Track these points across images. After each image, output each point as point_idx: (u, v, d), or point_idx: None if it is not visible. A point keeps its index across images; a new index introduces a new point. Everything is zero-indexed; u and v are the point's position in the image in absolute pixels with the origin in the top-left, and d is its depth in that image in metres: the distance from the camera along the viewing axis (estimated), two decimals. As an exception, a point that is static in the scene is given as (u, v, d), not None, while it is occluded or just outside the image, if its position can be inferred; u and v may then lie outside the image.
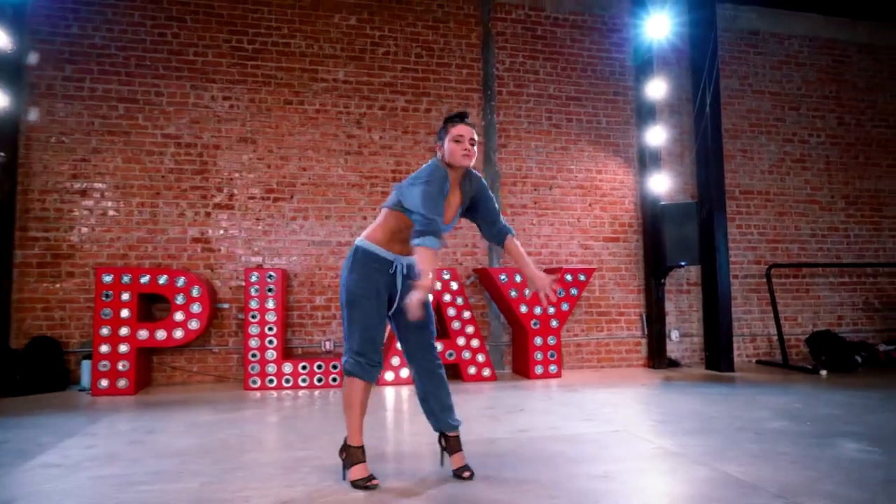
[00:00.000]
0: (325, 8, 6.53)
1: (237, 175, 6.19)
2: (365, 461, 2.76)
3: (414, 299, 2.42)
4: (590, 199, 6.97)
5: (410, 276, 2.78)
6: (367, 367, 2.70)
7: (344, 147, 6.41)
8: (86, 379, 5.44)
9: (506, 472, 2.94)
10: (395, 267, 2.77)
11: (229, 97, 6.24)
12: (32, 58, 5.84)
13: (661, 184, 6.82)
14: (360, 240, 2.79)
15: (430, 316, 2.88)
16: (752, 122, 7.55)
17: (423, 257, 2.49)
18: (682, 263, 6.42)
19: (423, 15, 6.75)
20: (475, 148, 2.72)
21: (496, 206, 2.94)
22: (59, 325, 5.71)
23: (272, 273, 5.63)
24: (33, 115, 5.82)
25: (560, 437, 3.62)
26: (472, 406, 4.67)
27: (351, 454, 2.75)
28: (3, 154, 5.54)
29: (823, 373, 6.15)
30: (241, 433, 3.84)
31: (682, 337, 7.07)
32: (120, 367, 5.24)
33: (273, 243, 6.20)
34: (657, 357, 6.73)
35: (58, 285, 5.74)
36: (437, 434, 2.99)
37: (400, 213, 2.72)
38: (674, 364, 6.83)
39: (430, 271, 2.49)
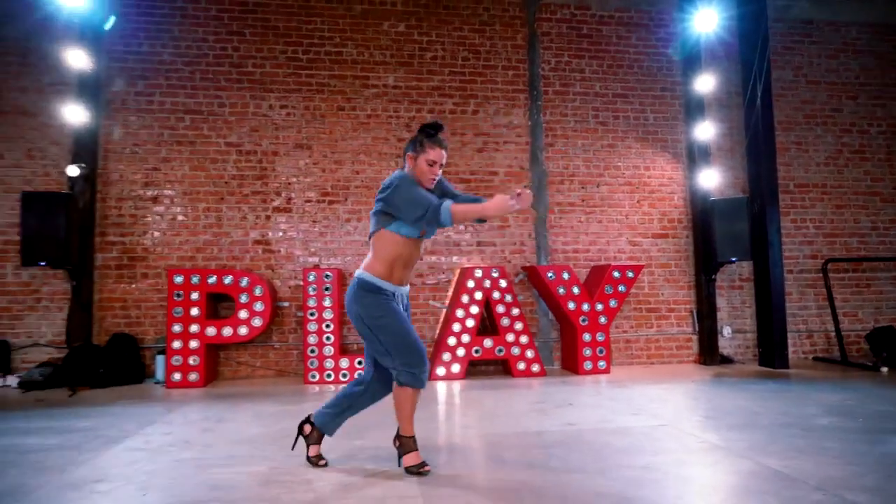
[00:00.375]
0: (375, 16, 6.77)
1: (294, 180, 6.51)
2: (417, 449, 2.94)
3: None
4: (638, 195, 6.99)
5: (405, 306, 3.03)
6: (419, 375, 2.84)
7: (394, 150, 6.65)
8: (160, 372, 5.85)
9: (553, 461, 3.09)
10: (397, 297, 2.94)
11: (286, 105, 6.56)
12: (114, 81, 6.31)
13: (711, 179, 6.78)
14: (361, 272, 2.91)
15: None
16: (806, 114, 7.39)
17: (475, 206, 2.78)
18: (733, 259, 6.37)
19: (469, 19, 6.91)
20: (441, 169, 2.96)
21: (451, 186, 3.16)
22: (135, 323, 6.16)
23: (328, 273, 5.92)
24: (116, 132, 6.28)
25: (607, 430, 3.74)
26: (521, 401, 4.82)
27: (404, 443, 2.93)
28: (84, 165, 6.00)
29: (884, 370, 6.01)
30: (303, 423, 4.11)
31: (735, 333, 7.01)
32: (191, 361, 5.62)
33: (329, 244, 6.49)
34: (708, 353, 6.70)
35: (133, 286, 6.19)
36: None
37: (394, 234, 2.86)
38: (726, 361, 6.79)
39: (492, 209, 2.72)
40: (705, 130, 6.83)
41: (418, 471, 2.87)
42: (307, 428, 3.12)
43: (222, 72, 6.52)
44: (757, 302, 6.75)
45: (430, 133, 2.91)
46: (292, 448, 3.19)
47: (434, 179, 2.92)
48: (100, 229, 6.20)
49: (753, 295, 6.94)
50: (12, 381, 5.68)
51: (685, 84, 7.07)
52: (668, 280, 6.96)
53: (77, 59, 5.97)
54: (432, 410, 4.55)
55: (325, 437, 3.18)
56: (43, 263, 5.49)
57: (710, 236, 6.51)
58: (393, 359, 2.83)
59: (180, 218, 6.33)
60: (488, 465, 3.04)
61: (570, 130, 6.95)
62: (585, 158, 6.95)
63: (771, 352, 6.42)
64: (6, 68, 6.22)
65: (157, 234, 6.28)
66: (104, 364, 5.70)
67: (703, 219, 6.70)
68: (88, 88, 6.16)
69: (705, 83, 6.82)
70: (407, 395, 2.88)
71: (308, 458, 3.08)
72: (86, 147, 6.12)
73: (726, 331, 6.96)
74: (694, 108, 6.94)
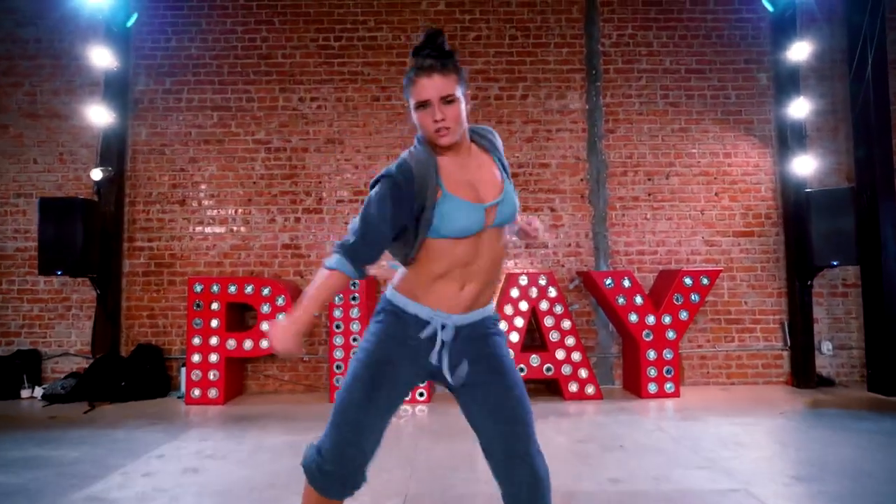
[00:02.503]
0: (412, -5, 6.13)
1: (325, 178, 6.00)
2: None
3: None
4: (716, 187, 5.98)
5: (479, 336, 1.83)
6: (331, 478, 1.78)
7: (433, 143, 6.00)
8: (184, 386, 5.54)
9: (574, 549, 2.37)
10: (434, 329, 1.78)
11: (316, 97, 6.06)
12: (141, 79, 6.04)
13: (807, 166, 5.68)
14: (389, 289, 1.88)
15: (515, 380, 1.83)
16: (931, 84, 6.08)
17: (316, 280, 1.75)
18: (834, 263, 5.28)
19: (517, -8, 6.14)
20: (456, 106, 1.70)
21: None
22: (161, 333, 5.88)
23: (355, 281, 5.36)
24: (143, 132, 6.02)
25: (660, 496, 2.95)
26: (564, 438, 4.07)
27: None
28: (109, 168, 5.76)
29: None
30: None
31: (837, 350, 5.88)
32: (211, 376, 5.25)
33: (362, 248, 5.95)
34: (803, 374, 5.64)
35: (160, 294, 5.91)
36: None
37: (425, 238, 1.76)
38: (825, 382, 5.69)
39: (311, 305, 1.73)
40: (800, 108, 5.72)
41: None
42: None
43: (251, 64, 6.10)
44: (865, 313, 5.59)
45: (416, 51, 1.74)
46: None
47: (443, 130, 1.69)
48: (128, 234, 5.95)
49: (861, 304, 5.78)
50: (39, 392, 5.54)
51: (775, 54, 5.97)
52: (752, 286, 5.92)
53: (103, 57, 5.73)
54: (456, 445, 3.88)
55: None
56: (60, 273, 5.26)
57: (805, 235, 5.44)
58: (325, 430, 1.82)
59: (208, 222, 5.98)
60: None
61: (634, 114, 6.04)
62: (653, 145, 6.01)
63: (884, 374, 5.29)
64: (39, 71, 6.09)
65: (184, 238, 5.96)
66: (126, 377, 5.44)
67: (797, 214, 5.62)
68: (115, 88, 5.91)
69: (800, 51, 5.70)
70: (307, 491, 1.85)
71: None
72: (113, 149, 5.87)
73: (825, 347, 5.85)
74: (786, 82, 5.83)
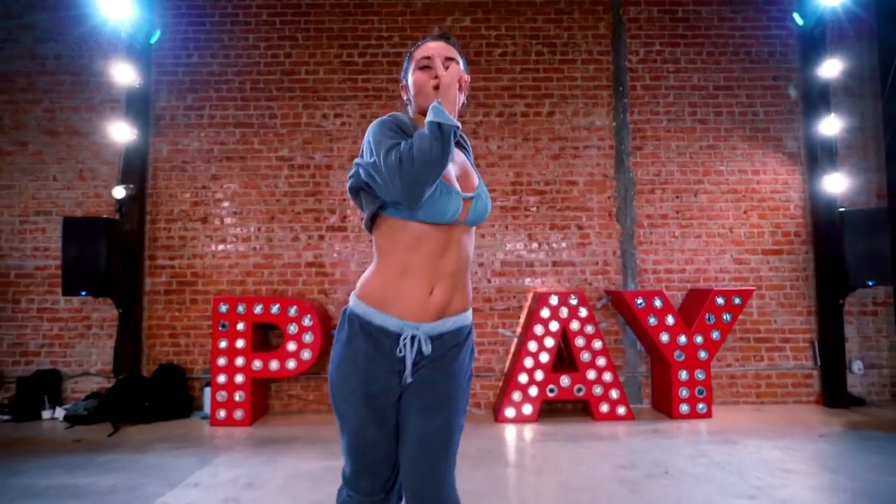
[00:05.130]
0: (437, 11, 6.09)
1: (349, 196, 5.93)
2: None
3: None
4: (744, 205, 5.92)
5: (448, 346, 1.72)
6: (360, 491, 1.74)
7: (459, 160, 5.94)
8: (208, 406, 5.45)
9: None
10: (404, 343, 1.67)
11: (340, 114, 6.00)
12: (162, 95, 5.99)
13: (839, 184, 5.63)
14: (352, 297, 1.79)
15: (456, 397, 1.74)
16: (960, 101, 6.04)
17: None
18: (870, 283, 5.22)
19: (543, 8, 6.09)
20: (455, 67, 1.70)
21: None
22: (184, 352, 5.79)
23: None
24: (164, 149, 5.96)
25: (718, 529, 2.87)
26: (604, 463, 3.99)
27: None
28: (132, 186, 5.69)
29: None
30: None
31: (868, 369, 5.81)
32: (237, 397, 5.16)
33: (387, 265, 5.88)
34: (834, 393, 5.57)
35: (182, 313, 5.83)
36: None
37: (394, 221, 1.70)
38: (856, 402, 5.62)
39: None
40: (831, 125, 5.68)
41: None
42: None
43: (274, 80, 6.04)
44: (898, 332, 5.55)
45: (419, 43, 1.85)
46: None
47: (438, 80, 1.69)
48: (149, 252, 5.88)
49: (892, 323, 5.72)
50: (60, 413, 5.45)
51: (804, 70, 5.93)
52: (781, 304, 5.86)
53: (125, 74, 5.67)
54: (494, 471, 3.80)
55: None
56: (84, 293, 5.18)
57: (839, 254, 5.38)
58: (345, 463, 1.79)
59: (230, 239, 5.91)
60: None
61: (661, 131, 5.99)
62: (680, 163, 5.96)
63: (919, 396, 5.23)
64: (59, 87, 6.03)
65: (206, 257, 5.89)
66: (149, 397, 5.35)
67: (829, 232, 5.57)
68: (137, 104, 5.85)
69: (831, 68, 5.66)
70: None
71: None
72: (134, 166, 5.81)
73: (856, 366, 5.78)
74: (816, 99, 5.79)
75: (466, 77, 1.74)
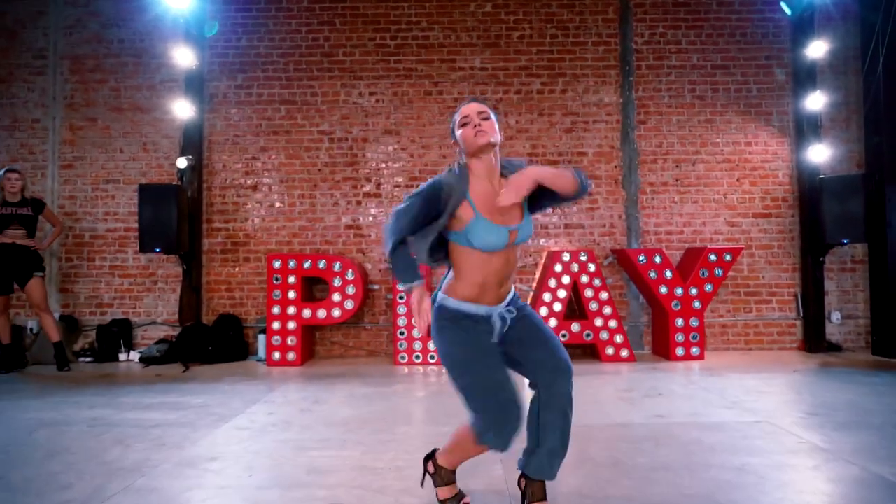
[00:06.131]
0: (461, -2, 6.73)
1: (384, 165, 6.66)
2: (455, 481, 2.48)
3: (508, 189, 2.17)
4: (738, 173, 6.60)
5: (517, 310, 2.35)
6: (500, 435, 2.17)
7: (481, 133, 6.62)
8: (261, 351, 6.24)
9: (638, 457, 3.05)
10: (493, 321, 2.28)
11: (375, 92, 6.69)
12: (216, 75, 6.69)
13: (822, 154, 6.28)
14: (441, 294, 2.32)
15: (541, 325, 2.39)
16: (937, 78, 6.64)
17: None
18: (844, 241, 5.91)
19: (557, -6, 6.72)
20: (490, 122, 2.25)
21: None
22: (238, 304, 6.59)
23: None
24: (218, 124, 6.68)
25: (698, 425, 3.63)
26: (608, 389, 4.76)
27: (443, 476, 2.46)
28: (191, 157, 6.43)
29: None
30: (392, 406, 4.28)
31: (846, 319, 6.53)
32: (289, 341, 5.95)
33: (417, 228, 6.61)
34: (814, 340, 6.30)
35: (237, 269, 6.62)
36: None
37: (463, 248, 2.25)
38: (834, 348, 6.35)
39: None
40: (816, 101, 6.31)
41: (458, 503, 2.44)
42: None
43: (314, 62, 6.72)
44: (871, 286, 6.25)
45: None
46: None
47: (481, 131, 2.22)
48: (206, 216, 6.64)
49: (867, 278, 6.42)
50: (134, 356, 6.27)
51: (794, 51, 6.55)
52: (769, 262, 6.57)
53: (183, 57, 6.36)
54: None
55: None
56: (158, 250, 5.97)
57: (818, 216, 6.06)
58: (474, 410, 2.22)
59: (277, 205, 6.66)
60: (572, 461, 3.02)
61: (663, 106, 6.65)
62: (680, 135, 6.63)
63: (886, 339, 5.95)
64: (123, 68, 6.74)
65: (256, 220, 6.65)
66: (212, 342, 6.16)
67: (812, 197, 6.24)
68: (194, 84, 6.56)
69: (817, 49, 6.28)
70: (475, 448, 2.28)
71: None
72: (192, 139, 6.54)
73: (835, 316, 6.50)
74: (804, 77, 6.42)
75: (494, 123, 2.28)
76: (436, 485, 2.46)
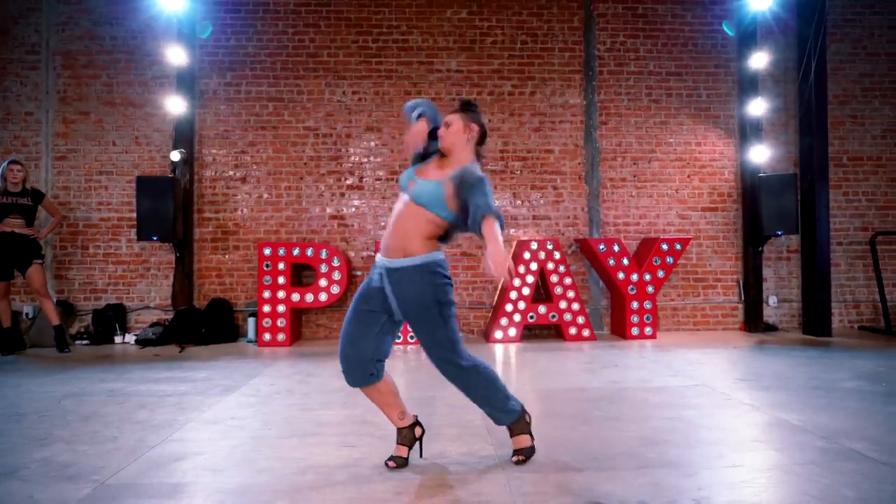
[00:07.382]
0: (439, 4, 7.22)
1: (365, 160, 7.14)
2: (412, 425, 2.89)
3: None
4: (688, 170, 7.29)
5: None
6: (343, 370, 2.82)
7: (456, 131, 7.16)
8: (251, 332, 6.69)
9: (595, 412, 3.66)
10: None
11: (357, 91, 7.16)
12: (206, 73, 7.06)
13: (762, 154, 7.00)
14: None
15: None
16: (864, 87, 7.43)
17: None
18: (779, 233, 6.65)
19: (527, 3, 7.27)
20: (446, 129, 2.80)
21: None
22: (228, 289, 7.01)
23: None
24: (208, 119, 7.06)
25: (646, 388, 4.27)
26: (571, 362, 5.38)
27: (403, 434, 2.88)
28: (184, 151, 6.81)
29: (928, 340, 6.22)
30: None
31: (781, 303, 7.30)
32: (279, 323, 6.42)
33: (397, 219, 7.13)
34: (753, 321, 7.05)
35: (227, 256, 7.03)
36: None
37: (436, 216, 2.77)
38: (771, 328, 7.11)
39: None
40: (758, 106, 7.02)
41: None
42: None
43: (300, 61, 7.15)
44: (803, 272, 7.02)
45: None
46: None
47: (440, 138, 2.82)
48: (197, 207, 7.03)
49: (800, 266, 7.19)
50: (129, 338, 6.65)
51: (739, 61, 7.25)
52: (715, 251, 7.29)
53: (175, 55, 6.72)
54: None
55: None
56: (154, 238, 6.36)
57: (757, 210, 6.78)
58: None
59: (265, 196, 7.09)
60: (542, 418, 3.62)
61: (623, 109, 7.28)
62: (638, 136, 7.28)
63: (815, 320, 6.72)
64: (115, 65, 7.05)
65: (245, 210, 7.07)
66: (205, 325, 6.58)
67: (752, 193, 6.96)
68: (185, 81, 6.92)
69: (759, 60, 6.98)
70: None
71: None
72: (184, 134, 6.91)
73: (772, 300, 7.26)
74: (747, 85, 7.13)
75: (474, 125, 2.84)
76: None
